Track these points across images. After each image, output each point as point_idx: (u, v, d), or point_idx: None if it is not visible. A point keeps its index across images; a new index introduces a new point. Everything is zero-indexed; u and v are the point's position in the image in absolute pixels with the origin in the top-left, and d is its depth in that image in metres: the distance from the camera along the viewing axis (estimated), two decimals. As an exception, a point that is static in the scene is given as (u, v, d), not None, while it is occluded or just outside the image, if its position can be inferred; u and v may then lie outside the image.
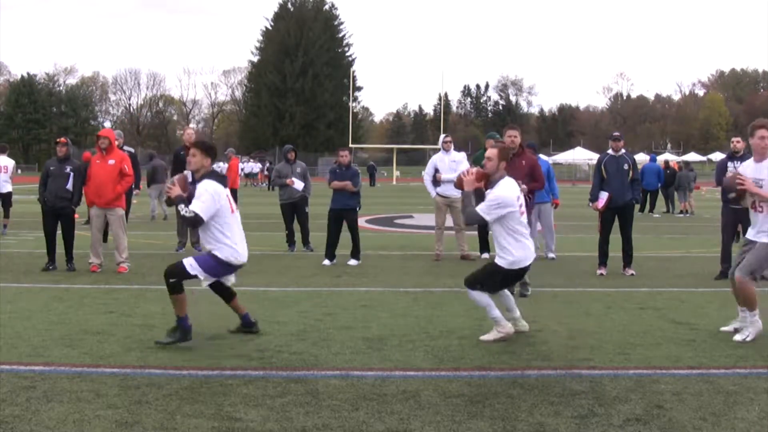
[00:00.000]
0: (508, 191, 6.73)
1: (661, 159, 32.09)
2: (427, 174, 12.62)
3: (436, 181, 12.44)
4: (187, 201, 6.46)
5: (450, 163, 12.36)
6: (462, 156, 12.66)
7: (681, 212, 24.53)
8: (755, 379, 5.57)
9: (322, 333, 6.96)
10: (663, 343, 6.66)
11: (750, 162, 7.08)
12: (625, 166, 10.80)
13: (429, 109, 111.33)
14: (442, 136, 13.00)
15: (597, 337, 6.84)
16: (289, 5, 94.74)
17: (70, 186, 10.88)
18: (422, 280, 10.26)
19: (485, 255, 12.39)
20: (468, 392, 5.18)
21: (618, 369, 5.79)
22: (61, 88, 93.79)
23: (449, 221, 12.64)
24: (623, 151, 11.04)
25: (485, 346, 6.48)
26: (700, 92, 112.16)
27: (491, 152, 6.84)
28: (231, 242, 6.53)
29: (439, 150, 12.80)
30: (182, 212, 6.38)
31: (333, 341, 6.63)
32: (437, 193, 12.47)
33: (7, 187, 15.96)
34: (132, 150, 15.50)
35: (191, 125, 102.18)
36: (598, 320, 7.65)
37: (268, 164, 52.25)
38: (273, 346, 6.45)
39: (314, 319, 7.57)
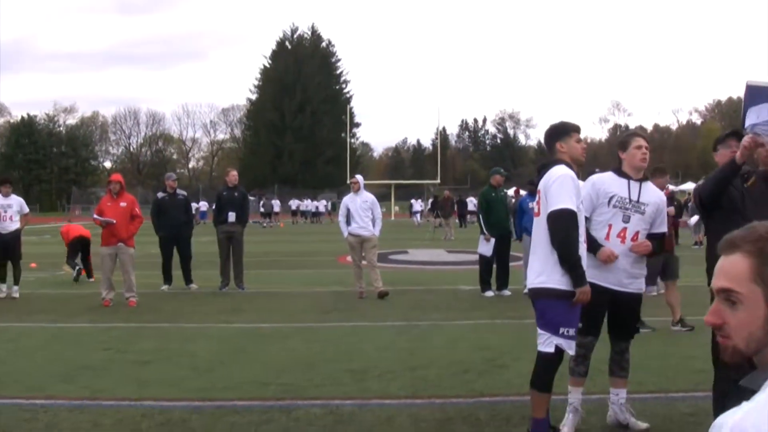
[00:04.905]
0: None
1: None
2: (341, 215, 12.88)
3: (348, 222, 12.61)
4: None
5: (361, 203, 12.55)
6: (372, 197, 12.78)
7: (696, 244, 23.82)
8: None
9: (307, 366, 7.34)
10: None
11: None
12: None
13: (427, 144, 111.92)
14: (357, 176, 13.02)
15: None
16: (287, 43, 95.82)
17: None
18: (409, 314, 10.62)
19: (507, 292, 12.63)
20: (440, 417, 5.56)
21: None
22: (61, 128, 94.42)
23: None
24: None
25: (460, 376, 6.86)
26: (698, 121, 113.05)
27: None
28: None
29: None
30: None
31: (317, 373, 7.02)
32: (349, 233, 12.58)
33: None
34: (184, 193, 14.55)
35: (190, 164, 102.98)
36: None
37: (263, 200, 53.04)
38: (260, 378, 6.84)
39: (301, 353, 7.95)
